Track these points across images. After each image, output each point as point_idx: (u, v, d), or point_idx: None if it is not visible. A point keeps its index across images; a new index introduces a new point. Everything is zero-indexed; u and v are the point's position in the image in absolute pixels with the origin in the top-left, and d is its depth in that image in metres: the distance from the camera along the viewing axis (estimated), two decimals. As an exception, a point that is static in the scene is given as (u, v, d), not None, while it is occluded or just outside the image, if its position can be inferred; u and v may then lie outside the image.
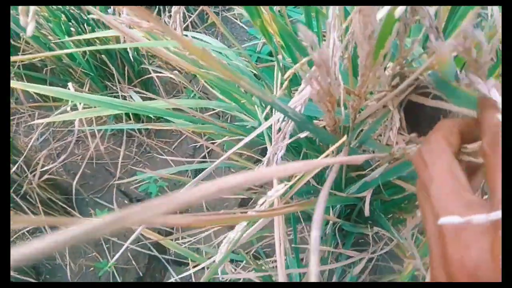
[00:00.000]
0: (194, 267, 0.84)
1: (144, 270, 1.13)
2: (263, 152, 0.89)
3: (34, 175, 1.10)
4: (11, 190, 1.02)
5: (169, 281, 1.08)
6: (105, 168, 1.31)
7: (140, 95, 1.08)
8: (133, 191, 1.26)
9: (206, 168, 0.46)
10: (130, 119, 1.28)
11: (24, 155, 1.07)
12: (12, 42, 1.12)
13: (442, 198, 0.22)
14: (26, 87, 0.50)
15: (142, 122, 1.29)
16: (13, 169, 1.01)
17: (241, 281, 0.79)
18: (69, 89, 0.67)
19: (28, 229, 1.14)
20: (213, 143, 0.89)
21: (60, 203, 1.17)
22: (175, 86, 1.47)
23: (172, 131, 1.35)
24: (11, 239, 1.11)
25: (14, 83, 0.49)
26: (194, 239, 0.93)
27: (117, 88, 1.20)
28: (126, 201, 1.25)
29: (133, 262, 1.13)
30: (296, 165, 0.22)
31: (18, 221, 0.16)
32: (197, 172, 1.24)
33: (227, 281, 0.79)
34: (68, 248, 1.15)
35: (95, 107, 0.61)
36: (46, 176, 1.14)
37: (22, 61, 1.22)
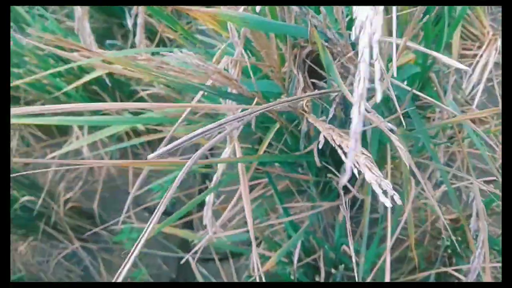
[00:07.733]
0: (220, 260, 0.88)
1: (176, 272, 1.18)
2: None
3: (59, 206, 1.16)
4: (42, 222, 1.13)
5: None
6: (120, 188, 1.35)
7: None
8: (150, 202, 1.30)
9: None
10: (131, 138, 1.31)
11: (46, 189, 1.14)
12: (12, 93, 1.17)
13: None
14: (31, 121, 0.55)
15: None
16: (39, 203, 1.10)
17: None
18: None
19: (63, 254, 1.20)
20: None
21: (88, 227, 1.23)
22: (166, 100, 1.50)
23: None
24: (51, 263, 1.18)
25: (19, 119, 0.53)
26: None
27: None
28: (146, 214, 1.29)
29: (164, 267, 1.18)
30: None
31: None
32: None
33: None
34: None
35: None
36: (70, 205, 1.20)
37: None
